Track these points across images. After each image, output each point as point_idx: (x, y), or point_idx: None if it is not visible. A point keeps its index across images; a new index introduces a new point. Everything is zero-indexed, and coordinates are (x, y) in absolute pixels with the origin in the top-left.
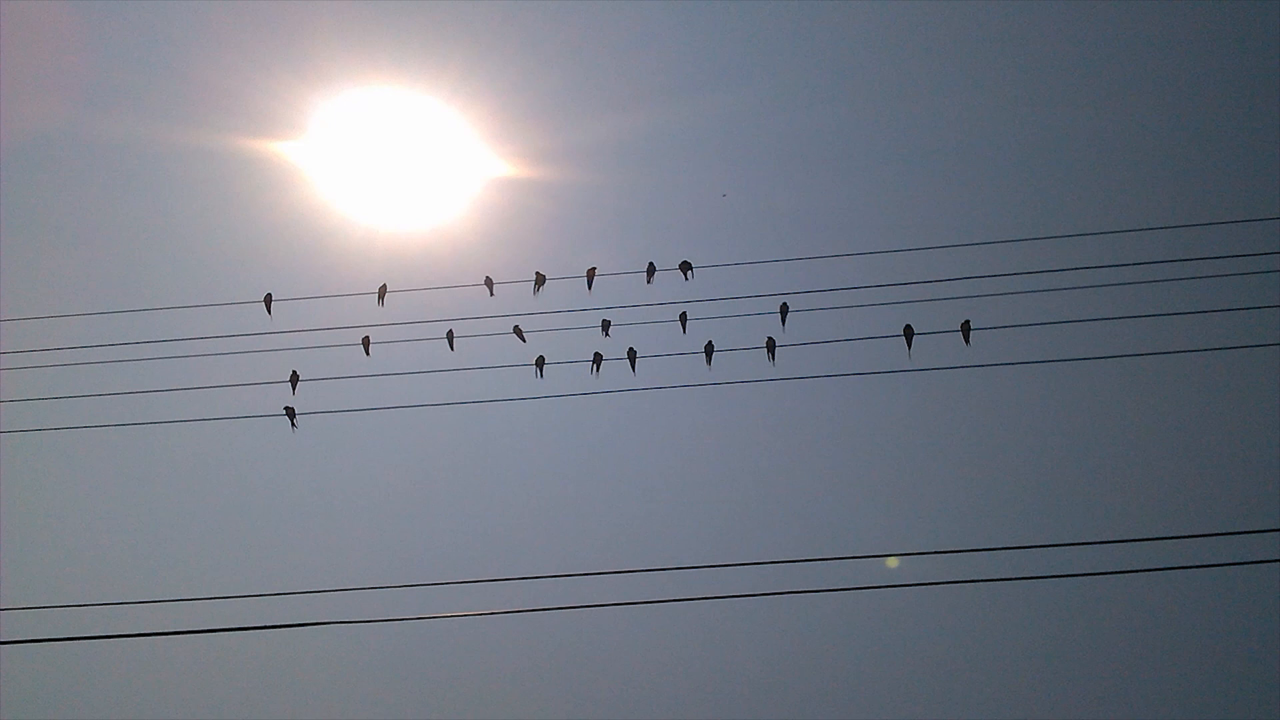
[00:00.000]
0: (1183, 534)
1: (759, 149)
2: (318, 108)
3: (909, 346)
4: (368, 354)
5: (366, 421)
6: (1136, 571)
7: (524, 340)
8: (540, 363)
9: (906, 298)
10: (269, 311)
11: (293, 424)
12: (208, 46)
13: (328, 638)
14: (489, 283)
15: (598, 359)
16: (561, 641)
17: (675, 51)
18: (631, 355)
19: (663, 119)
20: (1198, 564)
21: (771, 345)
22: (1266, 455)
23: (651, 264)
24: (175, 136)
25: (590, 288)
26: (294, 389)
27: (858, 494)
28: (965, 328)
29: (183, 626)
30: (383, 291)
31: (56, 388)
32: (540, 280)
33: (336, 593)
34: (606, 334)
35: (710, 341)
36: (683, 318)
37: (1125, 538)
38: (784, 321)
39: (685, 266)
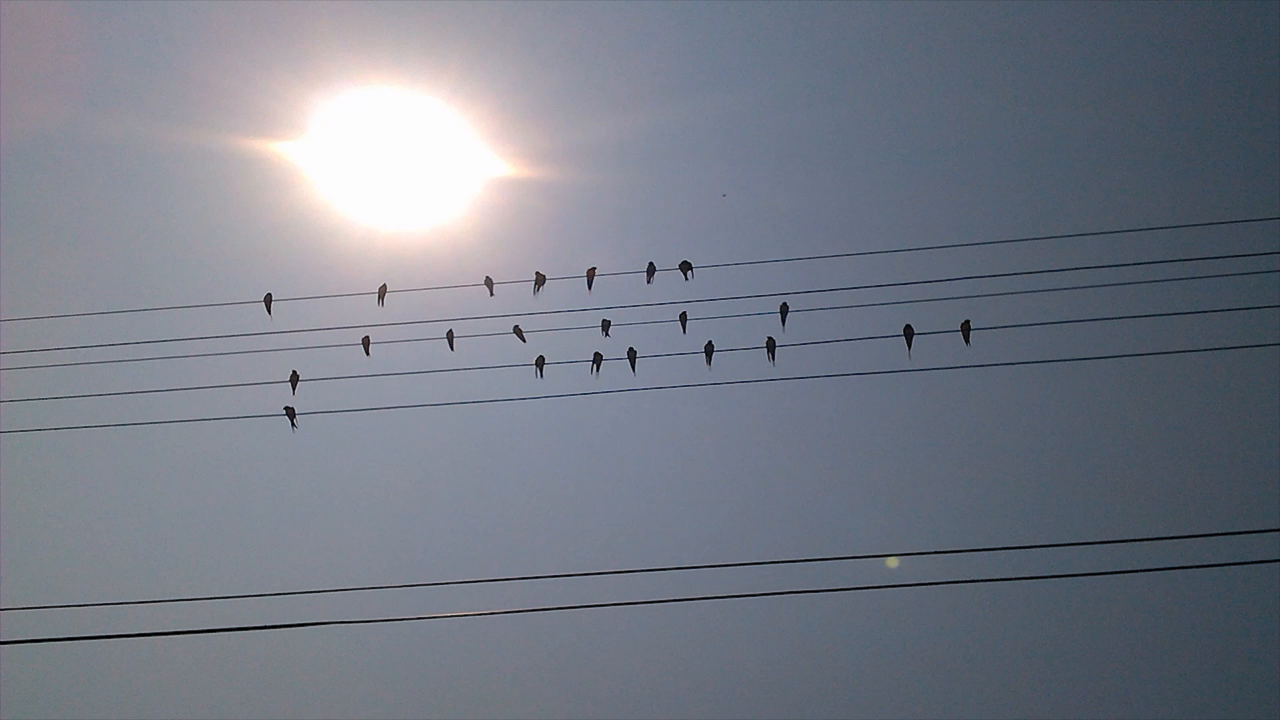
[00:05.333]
0: (1183, 534)
1: (759, 149)
2: (318, 108)
3: (909, 346)
4: (368, 354)
5: (366, 421)
6: (1136, 571)
7: (524, 340)
8: (540, 363)
9: (906, 298)
10: (269, 311)
11: (293, 424)
12: (208, 46)
13: (328, 638)
14: (489, 283)
15: (598, 359)
16: (561, 641)
17: (675, 51)
18: (631, 355)
19: (663, 119)
20: (1198, 564)
21: (771, 345)
22: (1266, 455)
23: (651, 264)
24: (175, 136)
25: (590, 288)
26: (294, 389)
27: (858, 494)
28: (965, 328)
29: (183, 626)
30: (383, 291)
31: (56, 388)
32: (540, 280)
33: (336, 593)
34: (606, 334)
35: (710, 341)
36: (683, 318)
37: (1125, 538)
38: (784, 321)
39: (685, 266)
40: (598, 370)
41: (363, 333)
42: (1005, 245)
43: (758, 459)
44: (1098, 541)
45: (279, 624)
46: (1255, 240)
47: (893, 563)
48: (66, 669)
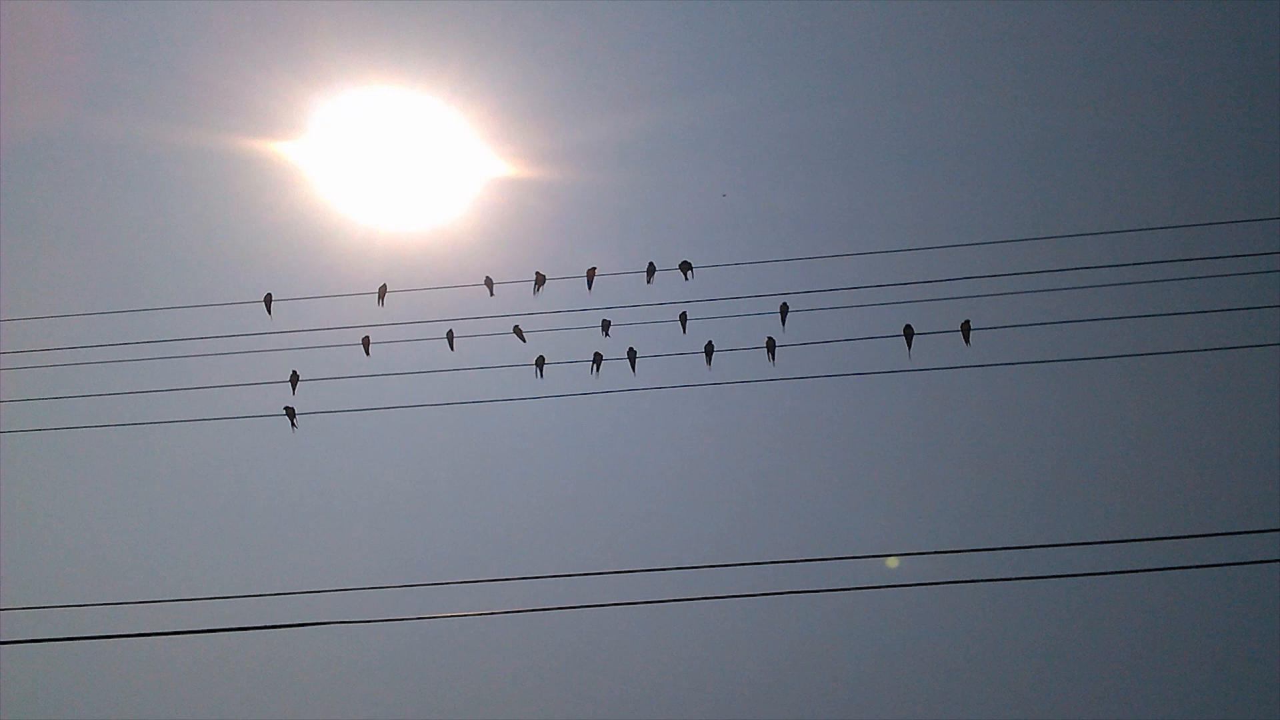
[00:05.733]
0: (1183, 534)
1: (759, 149)
2: (318, 108)
3: (909, 346)
4: (368, 354)
5: (366, 421)
6: (1136, 571)
7: (524, 340)
8: (540, 363)
9: (906, 298)
10: (269, 311)
11: (293, 424)
12: (208, 46)
13: (328, 638)
14: (489, 283)
15: (598, 359)
16: (561, 641)
17: (675, 51)
18: (631, 355)
19: (663, 119)
20: (1198, 564)
21: (771, 345)
22: (1266, 455)
23: (651, 264)
24: (175, 136)
25: (590, 288)
26: (294, 389)
27: (858, 494)
28: (965, 328)
29: (183, 626)
30: (383, 291)
31: (56, 388)
32: (540, 280)
33: (336, 593)
34: (606, 334)
35: (710, 341)
36: (683, 318)
37: (1125, 538)
38: (784, 321)
39: (685, 266)
40: (598, 370)
41: (363, 333)
42: (1005, 245)
43: (758, 459)
44: (1098, 541)
45: (279, 624)
46: (1255, 240)
47: (893, 563)
48: (66, 669)
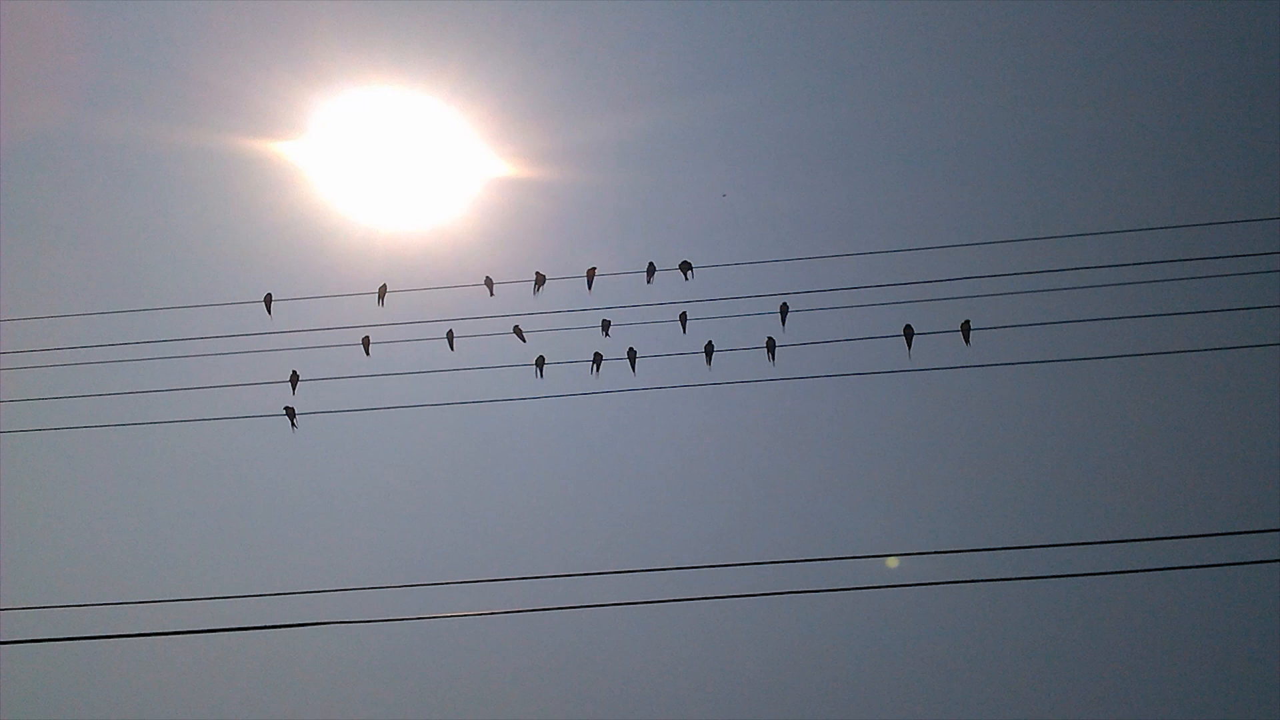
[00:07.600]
0: (1183, 534)
1: (759, 149)
2: (318, 108)
3: (909, 346)
4: (368, 354)
5: (366, 421)
6: (1136, 571)
7: (524, 340)
8: (540, 363)
9: (906, 298)
10: (269, 311)
11: (293, 424)
12: (208, 46)
13: (328, 638)
14: (489, 283)
15: (598, 359)
16: (561, 641)
17: (675, 51)
18: (631, 355)
19: (663, 119)
20: (1198, 564)
21: (771, 345)
22: (1266, 455)
23: (651, 264)
24: (175, 136)
25: (590, 288)
26: (294, 389)
27: (858, 494)
28: (965, 328)
29: (183, 626)
30: (383, 291)
31: (56, 388)
32: (540, 280)
33: (336, 593)
34: (606, 334)
35: (710, 341)
36: (683, 318)
37: (1125, 538)
38: (784, 321)
39: (685, 266)
40: (598, 370)
41: (363, 333)
42: (1005, 245)
43: (758, 459)
44: (1098, 541)
45: (279, 624)
46: (1255, 240)
47: (893, 563)
48: (66, 669)
